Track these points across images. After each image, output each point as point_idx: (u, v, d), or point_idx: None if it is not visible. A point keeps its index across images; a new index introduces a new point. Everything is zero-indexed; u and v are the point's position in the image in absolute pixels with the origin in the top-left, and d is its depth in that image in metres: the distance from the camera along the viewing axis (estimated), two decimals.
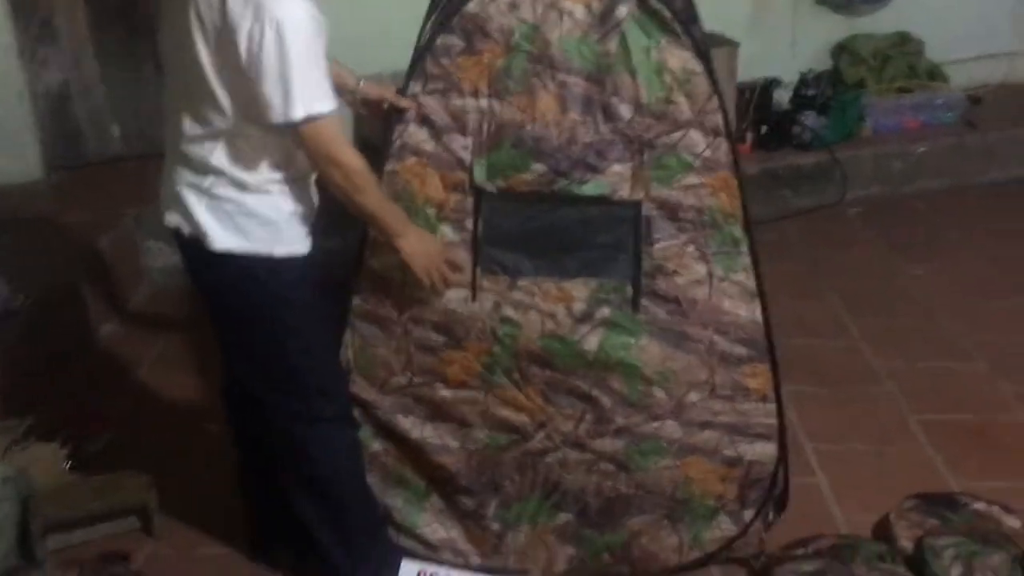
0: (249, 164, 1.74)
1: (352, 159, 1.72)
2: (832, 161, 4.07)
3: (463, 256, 1.97)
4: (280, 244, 1.79)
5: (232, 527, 2.30)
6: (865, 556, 2.05)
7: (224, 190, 1.75)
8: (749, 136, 4.13)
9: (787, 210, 3.99)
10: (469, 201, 1.96)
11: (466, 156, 1.95)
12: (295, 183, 1.80)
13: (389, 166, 1.97)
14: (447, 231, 2.00)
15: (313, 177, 1.85)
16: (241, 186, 1.75)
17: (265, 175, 1.75)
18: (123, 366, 3.13)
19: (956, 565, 1.93)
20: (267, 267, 1.79)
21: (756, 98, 4.10)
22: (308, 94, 1.63)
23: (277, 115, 1.63)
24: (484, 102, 1.94)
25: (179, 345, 3.24)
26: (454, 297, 2.01)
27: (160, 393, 2.97)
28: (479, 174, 1.94)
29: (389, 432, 2.10)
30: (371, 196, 1.78)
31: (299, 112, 1.63)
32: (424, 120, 1.96)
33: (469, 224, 1.99)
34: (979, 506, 2.20)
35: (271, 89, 1.61)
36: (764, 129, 4.15)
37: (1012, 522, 2.14)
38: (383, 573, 2.08)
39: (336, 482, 2.00)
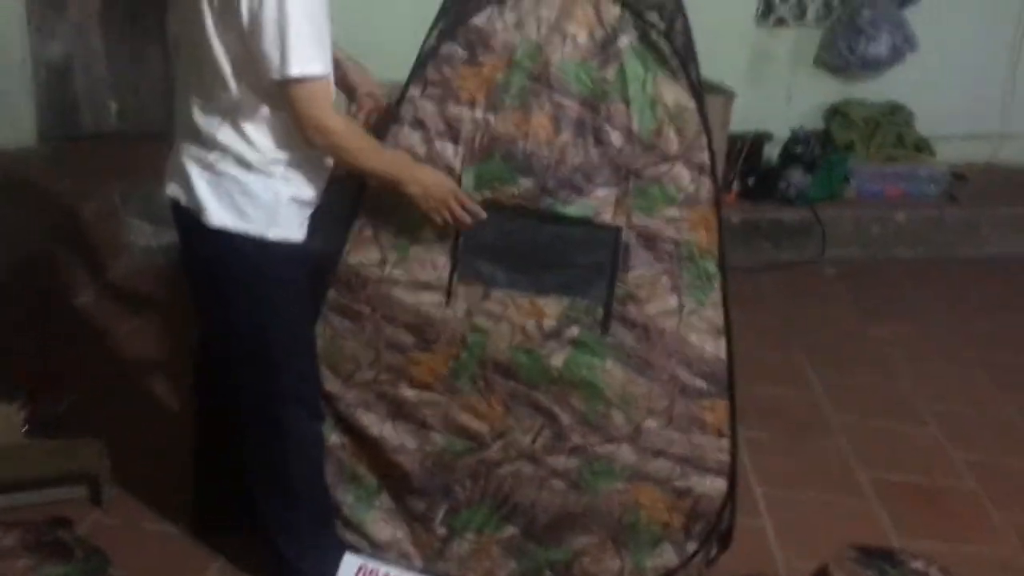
0: (255, 143, 1.77)
1: (337, 123, 1.75)
2: (814, 219, 4.15)
3: (473, 208, 1.95)
4: (275, 227, 1.82)
5: (179, 506, 2.31)
6: None
7: (227, 167, 1.78)
8: (735, 186, 4.21)
9: (766, 263, 4.06)
10: (468, 219, 1.98)
11: (456, 164, 1.99)
12: (299, 169, 1.83)
13: None
14: (430, 235, 2.02)
15: (321, 166, 1.87)
16: (245, 165, 1.78)
17: (269, 155, 1.79)
18: (93, 336, 3.15)
19: None
20: (259, 248, 1.81)
21: (746, 149, 4.19)
22: (304, 53, 1.66)
23: (274, 71, 1.66)
24: (480, 113, 1.98)
25: (152, 323, 3.25)
26: (428, 300, 2.04)
27: (126, 367, 2.98)
28: (467, 183, 1.98)
29: (348, 426, 2.12)
30: (364, 155, 1.82)
31: (294, 69, 1.66)
32: (418, 124, 1.99)
33: (451, 229, 2.02)
34: (918, 564, 2.23)
35: (269, 46, 1.65)
36: (751, 181, 4.24)
37: None
38: (325, 564, 2.09)
39: (295, 468, 2.01)
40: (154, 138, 4.07)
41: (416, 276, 2.03)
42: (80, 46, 4.04)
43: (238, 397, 1.99)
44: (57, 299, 3.26)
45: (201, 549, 2.23)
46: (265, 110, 1.75)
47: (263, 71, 1.68)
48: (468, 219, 1.94)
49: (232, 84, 1.72)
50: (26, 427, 2.53)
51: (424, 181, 1.90)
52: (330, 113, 1.74)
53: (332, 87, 1.78)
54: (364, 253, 2.04)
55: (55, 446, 2.39)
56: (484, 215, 1.95)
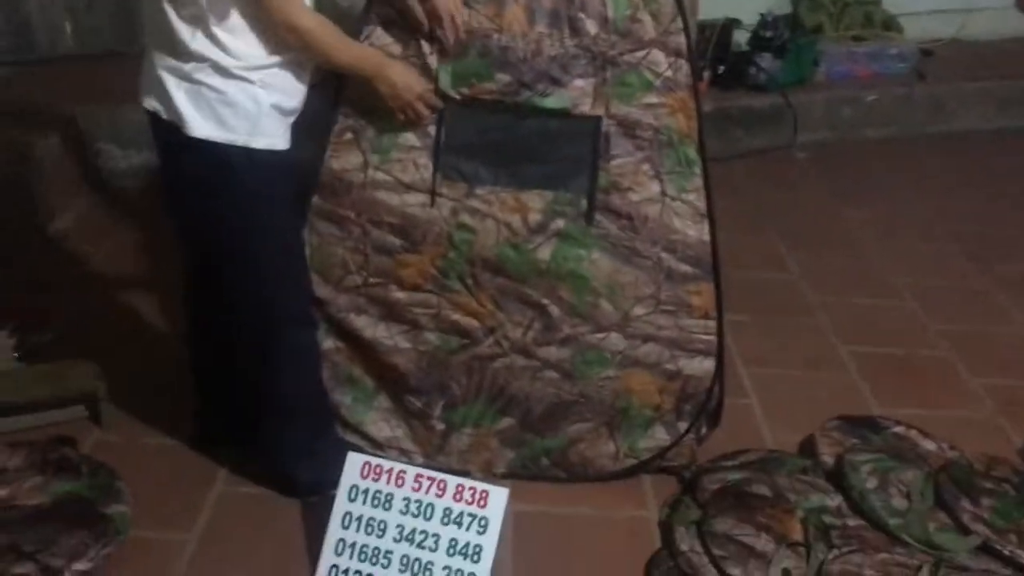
0: (230, 49, 1.74)
1: (308, 21, 1.74)
2: (785, 104, 4.15)
3: (436, 101, 2.00)
4: (259, 136, 1.80)
5: (178, 419, 2.33)
6: (789, 469, 2.17)
7: (205, 76, 1.75)
8: (706, 75, 4.18)
9: (738, 149, 4.08)
10: (428, 116, 2.00)
11: (432, 61, 1.98)
12: (278, 75, 1.80)
13: None
14: (410, 136, 2.03)
15: (301, 72, 1.85)
16: (223, 72, 1.75)
17: (246, 62, 1.75)
18: (72, 262, 3.13)
19: (872, 478, 2.06)
20: (244, 158, 1.79)
21: (716, 37, 4.15)
22: None
23: None
24: None
25: (129, 244, 3.24)
26: (413, 201, 2.05)
27: (110, 289, 2.97)
28: (444, 80, 1.97)
29: (342, 330, 2.15)
30: (337, 51, 1.81)
31: None
32: (391, 23, 1.97)
33: (432, 130, 2.02)
34: (898, 429, 2.33)
35: None
36: (721, 69, 4.21)
37: (928, 444, 2.27)
38: (326, 471, 2.13)
39: (290, 380, 2.04)
40: (111, 57, 4.01)
41: (399, 177, 2.04)
42: None
43: (228, 313, 1.99)
44: (33, 227, 3.23)
45: (206, 460, 2.26)
46: (236, 14, 1.72)
47: None
48: (428, 117, 1.99)
49: None
50: (15, 355, 2.55)
51: (394, 80, 1.91)
52: (300, 10, 1.72)
53: None
54: (346, 157, 2.04)
55: (50, 368, 2.41)
56: (424, 117, 1.99)
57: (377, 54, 1.94)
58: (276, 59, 1.79)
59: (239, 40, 1.74)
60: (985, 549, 1.90)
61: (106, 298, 2.93)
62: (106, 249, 3.21)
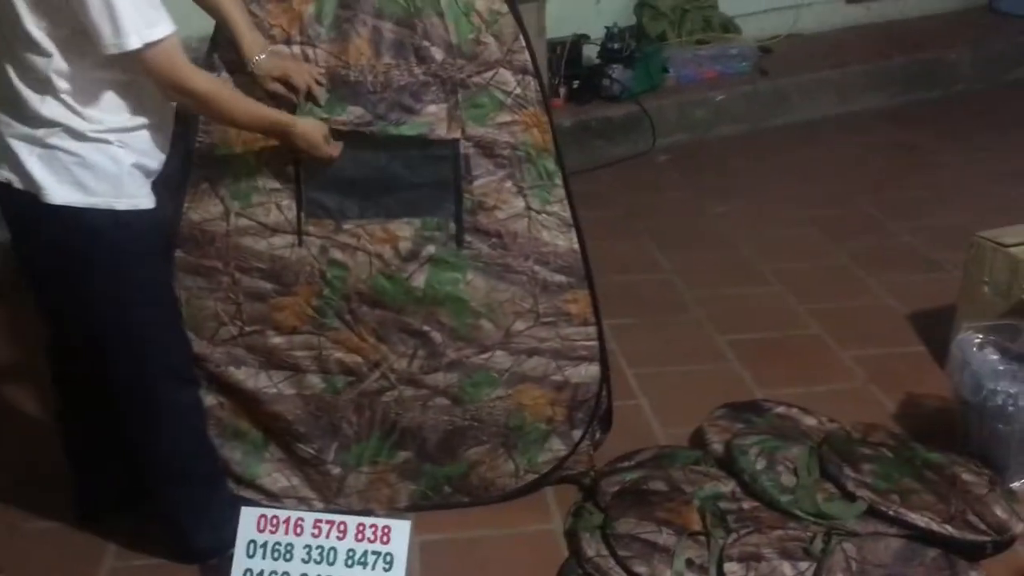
0: (84, 114, 1.67)
1: (200, 83, 1.70)
2: (640, 111, 4.29)
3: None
4: (122, 197, 1.73)
5: (57, 502, 2.22)
6: (682, 461, 2.22)
7: (59, 140, 1.67)
8: (562, 91, 4.29)
9: (601, 159, 4.18)
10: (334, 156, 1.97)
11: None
12: (138, 136, 1.74)
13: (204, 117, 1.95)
14: (269, 178, 2.00)
15: (161, 130, 1.79)
16: (78, 136, 1.67)
17: (104, 125, 1.69)
18: None
19: (760, 459, 2.13)
20: (109, 221, 1.72)
21: (566, 53, 4.26)
22: (140, 19, 1.58)
23: (110, 46, 1.58)
24: (297, 49, 1.96)
25: None
26: (280, 243, 2.03)
27: None
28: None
29: (222, 385, 2.10)
30: (235, 112, 1.78)
31: (133, 41, 1.58)
32: (236, 67, 1.94)
33: (290, 170, 2.00)
34: (780, 409, 2.42)
35: (98, 18, 1.55)
36: (575, 84, 4.32)
37: (809, 421, 2.37)
38: (223, 527, 2.07)
39: (178, 440, 1.97)
40: None
41: (263, 221, 2.02)
42: None
43: (103, 381, 1.91)
44: None
45: (92, 538, 2.16)
46: (90, 78, 1.65)
47: (97, 44, 1.58)
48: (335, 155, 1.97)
49: (49, 49, 1.61)
50: None
51: (307, 134, 1.89)
52: (187, 72, 1.67)
53: (178, 39, 1.67)
54: (205, 207, 2.00)
55: None
56: (335, 157, 1.97)
57: (280, 113, 1.89)
58: (137, 122, 1.73)
59: (93, 106, 1.67)
60: (872, 512, 1.99)
61: None
62: None
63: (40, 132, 1.67)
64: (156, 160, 1.80)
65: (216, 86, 1.73)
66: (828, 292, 3.14)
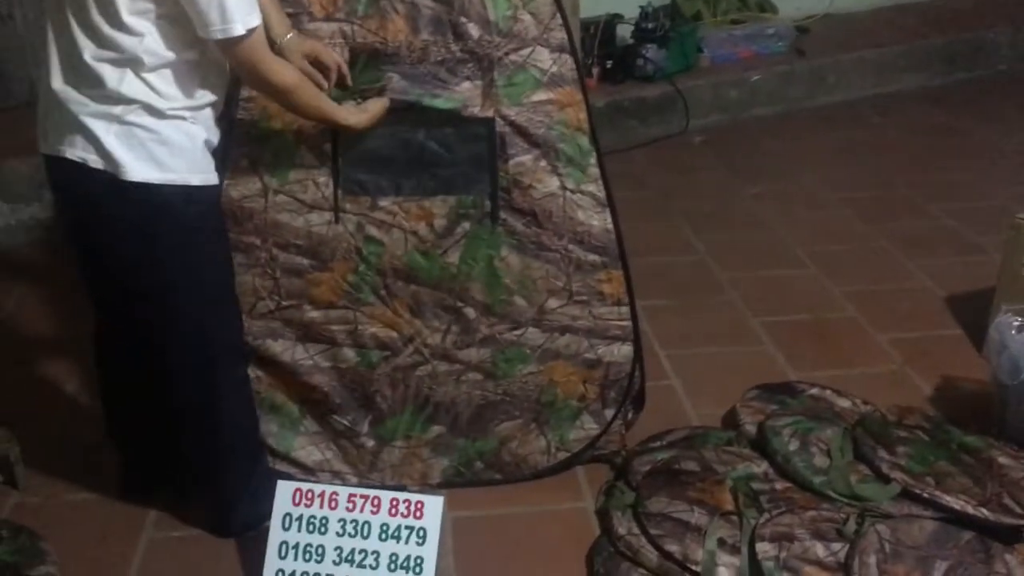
0: (162, 92, 1.69)
1: (283, 78, 1.74)
2: (674, 92, 4.26)
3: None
4: (196, 173, 1.75)
5: (98, 474, 2.27)
6: (715, 442, 2.22)
7: (137, 117, 1.68)
8: (595, 71, 4.27)
9: (635, 140, 4.17)
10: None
11: (321, 80, 1.97)
12: (206, 109, 1.77)
13: (244, 92, 1.97)
14: (307, 156, 2.02)
15: (219, 107, 1.83)
16: (155, 113, 1.69)
17: (180, 101, 1.71)
18: None
19: (793, 440, 2.12)
20: (183, 197, 1.74)
21: (600, 33, 4.24)
22: (244, 7, 1.62)
23: (215, 31, 1.61)
24: (335, 26, 1.97)
25: (28, 301, 3.14)
26: (317, 220, 2.04)
27: (16, 344, 2.87)
28: (335, 93, 1.97)
29: (260, 358, 2.12)
30: (314, 108, 1.82)
31: (238, 28, 1.61)
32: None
33: (328, 147, 2.01)
34: (814, 391, 2.41)
35: (206, 5, 1.59)
36: (609, 63, 4.30)
37: (843, 403, 2.35)
38: (263, 502, 2.09)
39: (229, 414, 1.99)
40: None
41: (300, 198, 2.03)
42: None
43: (162, 360, 1.92)
44: None
45: (131, 510, 2.20)
46: (175, 58, 1.68)
47: (201, 29, 1.62)
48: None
49: (144, 34, 1.64)
50: None
51: (361, 118, 1.92)
52: (277, 67, 1.73)
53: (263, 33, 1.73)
54: (244, 184, 2.02)
55: None
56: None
57: (342, 108, 1.91)
58: (204, 100, 1.76)
59: (172, 83, 1.70)
60: (906, 494, 1.98)
61: (9, 358, 2.83)
62: (5, 309, 3.10)
63: (118, 109, 1.68)
64: (217, 136, 1.84)
65: (293, 78, 1.76)
66: (864, 274, 3.11)
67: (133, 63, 1.66)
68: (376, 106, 1.95)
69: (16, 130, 3.48)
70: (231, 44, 1.66)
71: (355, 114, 1.93)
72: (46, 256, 3.39)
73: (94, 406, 2.25)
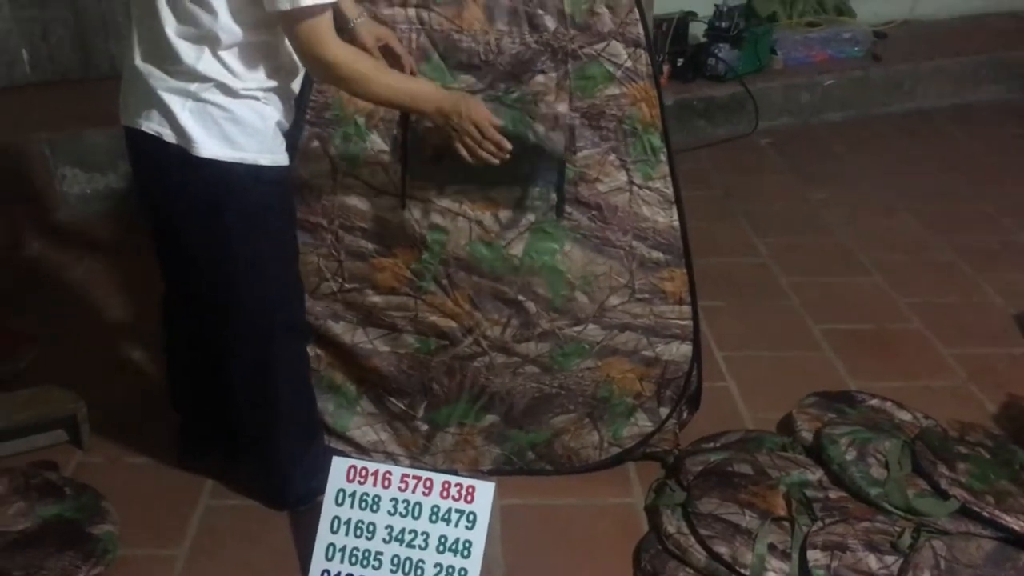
0: (237, 71, 1.72)
1: (340, 56, 1.68)
2: (744, 92, 4.21)
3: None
4: (265, 153, 1.79)
5: (160, 437, 2.33)
6: (769, 447, 2.20)
7: (211, 95, 1.72)
8: (666, 68, 4.23)
9: (702, 139, 4.13)
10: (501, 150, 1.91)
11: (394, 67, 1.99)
12: (279, 91, 1.80)
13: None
14: (377, 139, 2.04)
15: (293, 92, 1.85)
16: (230, 92, 1.73)
17: (253, 82, 1.74)
18: (46, 286, 3.11)
19: (851, 450, 2.09)
20: (252, 175, 1.77)
21: (672, 31, 4.20)
22: None
23: (284, 2, 1.60)
24: (412, 12, 1.98)
25: (99, 267, 3.22)
26: (383, 205, 2.06)
27: (83, 313, 2.96)
28: None
29: (321, 338, 2.16)
30: (378, 85, 1.73)
31: (284, 4, 1.60)
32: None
33: (397, 133, 2.03)
34: (874, 402, 2.37)
35: None
36: (680, 61, 4.27)
37: (904, 415, 2.32)
38: (318, 476, 2.13)
39: (286, 388, 2.03)
40: (69, 84, 4.00)
41: (369, 182, 2.05)
42: None
43: (224, 332, 1.96)
44: (4, 254, 3.21)
45: (190, 476, 2.26)
46: (249, 38, 1.70)
47: (267, 5, 1.63)
48: (493, 149, 1.82)
49: (217, 11, 1.66)
50: None
51: (470, 111, 1.79)
52: (331, 45, 1.68)
53: (330, 14, 1.69)
54: (314, 165, 2.05)
55: (28, 395, 2.39)
56: (508, 146, 1.83)
57: (433, 87, 1.84)
58: (274, 83, 1.78)
59: (247, 64, 1.73)
60: (964, 512, 1.94)
61: (79, 322, 2.91)
62: (76, 273, 3.20)
63: (194, 87, 1.72)
64: (289, 119, 1.86)
65: (355, 55, 1.72)
66: (931, 286, 3.05)
67: (210, 41, 1.69)
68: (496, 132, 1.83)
69: (97, 101, 3.57)
70: (294, 20, 1.64)
71: (472, 100, 1.81)
72: (118, 226, 3.49)
73: (158, 374, 2.31)
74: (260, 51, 1.73)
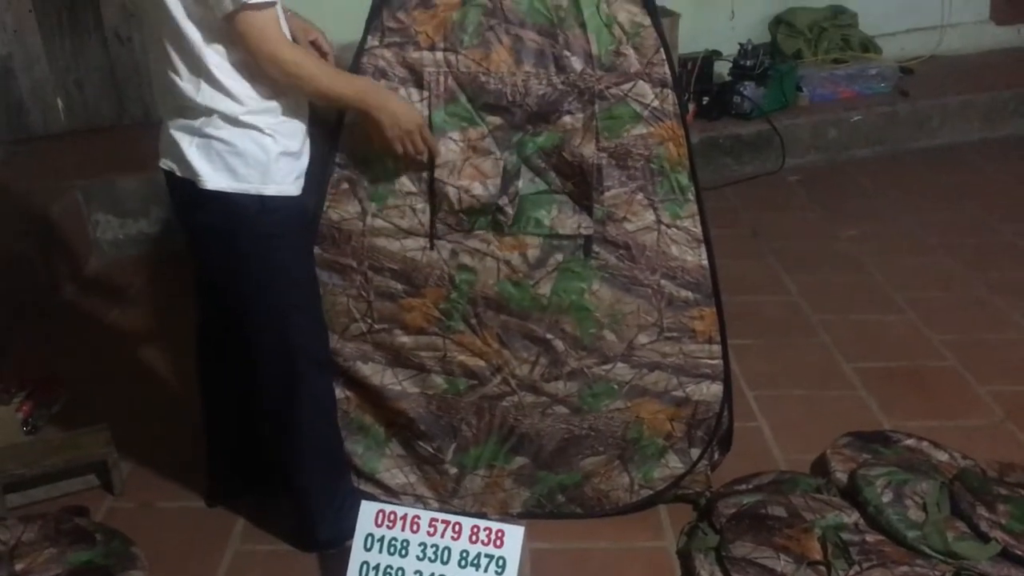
0: (234, 94, 1.77)
1: (288, 52, 1.75)
2: (771, 130, 4.21)
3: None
4: (269, 183, 1.83)
5: (190, 482, 2.35)
6: (803, 488, 2.16)
7: (214, 129, 1.79)
8: (691, 106, 4.25)
9: (729, 177, 4.13)
10: (426, 153, 2.02)
11: (423, 109, 2.01)
12: (283, 120, 1.84)
13: (348, 118, 2.02)
14: (406, 182, 2.05)
15: (300, 113, 1.88)
16: (232, 121, 1.79)
17: (252, 105, 1.79)
18: (80, 331, 3.15)
19: (887, 492, 2.05)
20: (257, 206, 1.83)
21: (697, 69, 4.22)
22: None
23: (227, 3, 1.66)
24: (440, 55, 2.00)
25: (135, 310, 3.27)
26: (412, 246, 2.07)
27: (116, 355, 2.99)
28: (437, 125, 2.00)
29: (349, 379, 2.16)
30: (328, 82, 1.82)
31: (227, 4, 1.66)
32: (381, 74, 2.01)
33: (427, 175, 2.04)
34: (910, 442, 2.33)
35: None
36: (705, 100, 4.28)
37: (940, 455, 2.27)
38: (344, 516, 2.13)
39: (311, 424, 2.04)
40: (103, 131, 4.08)
41: (398, 223, 2.06)
42: (18, 47, 3.98)
43: (248, 363, 2.00)
44: (38, 299, 3.25)
45: (219, 519, 2.26)
46: (233, 56, 1.76)
47: (217, 10, 1.69)
48: (425, 154, 1.99)
49: (196, 37, 1.73)
50: (26, 428, 2.55)
51: (394, 109, 1.91)
52: (282, 43, 1.75)
53: (278, 17, 1.77)
54: (344, 207, 2.06)
55: (61, 439, 2.41)
56: (441, 153, 1.99)
57: (373, 84, 1.95)
58: (282, 102, 1.83)
59: (243, 84, 1.78)
60: (1005, 555, 1.89)
61: (113, 365, 2.94)
62: (110, 317, 3.23)
63: (198, 122, 1.80)
64: (298, 140, 1.88)
65: (303, 53, 1.80)
66: (965, 323, 3.01)
67: (202, 69, 1.75)
68: (428, 134, 1.97)
69: (130, 148, 3.65)
70: (241, 19, 1.68)
71: (401, 101, 1.93)
72: (151, 270, 3.53)
73: (190, 415, 2.31)
74: (248, 68, 1.78)
